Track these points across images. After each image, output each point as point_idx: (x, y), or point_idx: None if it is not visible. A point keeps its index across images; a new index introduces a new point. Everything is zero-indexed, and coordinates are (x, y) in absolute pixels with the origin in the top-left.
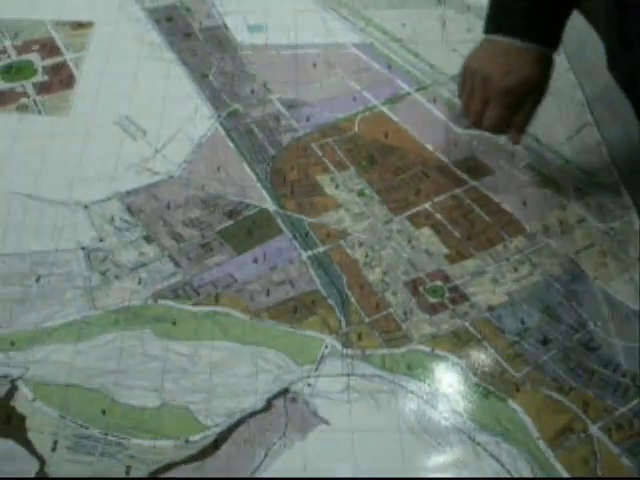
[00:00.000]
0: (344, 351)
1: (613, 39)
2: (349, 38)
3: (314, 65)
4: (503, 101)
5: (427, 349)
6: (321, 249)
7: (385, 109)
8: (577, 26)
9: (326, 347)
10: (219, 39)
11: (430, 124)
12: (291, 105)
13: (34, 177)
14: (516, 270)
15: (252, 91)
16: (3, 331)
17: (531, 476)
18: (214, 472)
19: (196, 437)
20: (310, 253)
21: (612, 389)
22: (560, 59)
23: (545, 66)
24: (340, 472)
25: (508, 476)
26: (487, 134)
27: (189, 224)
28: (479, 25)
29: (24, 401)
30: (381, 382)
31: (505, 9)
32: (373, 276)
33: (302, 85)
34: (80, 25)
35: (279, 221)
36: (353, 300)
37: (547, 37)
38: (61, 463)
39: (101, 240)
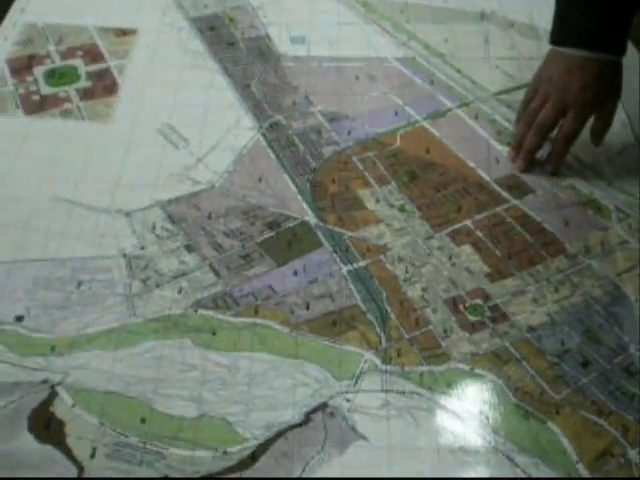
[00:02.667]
0: (383, 367)
1: None
2: (391, 52)
3: (356, 78)
4: (581, 114)
5: (466, 368)
6: (361, 264)
7: (427, 124)
8: None
9: (365, 362)
10: (261, 49)
11: (472, 141)
12: (333, 118)
13: (76, 183)
14: (557, 291)
15: (294, 103)
16: (44, 336)
17: None
18: None
19: (234, 449)
20: (350, 267)
21: None
22: None
23: (616, 73)
24: None
25: None
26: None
27: (230, 234)
28: (522, 42)
29: (64, 407)
30: (420, 399)
31: (571, 21)
32: (413, 292)
33: (344, 98)
34: (124, 32)
35: (319, 234)
36: (393, 316)
37: (615, 45)
38: (99, 470)
39: (142, 248)
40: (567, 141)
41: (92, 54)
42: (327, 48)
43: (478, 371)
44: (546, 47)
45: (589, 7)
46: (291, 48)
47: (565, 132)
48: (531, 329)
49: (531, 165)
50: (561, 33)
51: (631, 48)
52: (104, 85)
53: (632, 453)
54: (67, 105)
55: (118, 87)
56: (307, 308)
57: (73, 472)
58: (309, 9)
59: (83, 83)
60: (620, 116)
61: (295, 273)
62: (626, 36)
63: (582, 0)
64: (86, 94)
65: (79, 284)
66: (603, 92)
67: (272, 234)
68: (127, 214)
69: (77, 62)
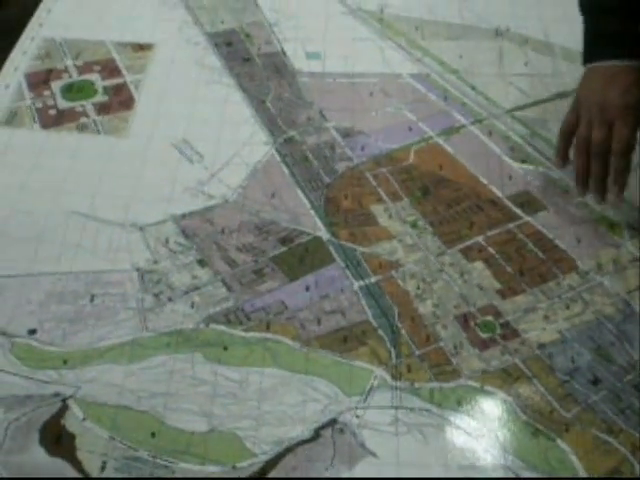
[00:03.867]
0: (393, 383)
1: None
2: (406, 68)
3: (370, 94)
4: (628, 118)
5: (477, 385)
6: (373, 279)
7: (440, 141)
8: None
9: (375, 378)
10: (277, 65)
11: (485, 157)
12: (347, 134)
13: (92, 197)
14: (568, 308)
15: (308, 118)
16: (56, 349)
17: None
18: None
19: (244, 464)
20: (362, 283)
21: None
22: None
23: None
24: None
25: None
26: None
27: (242, 249)
28: (536, 59)
29: (74, 420)
30: (429, 416)
31: (604, 36)
32: (424, 308)
33: (358, 114)
34: (141, 47)
35: (332, 249)
36: (403, 332)
37: None
38: None
39: (155, 262)
40: (622, 154)
41: (109, 69)
42: (342, 64)
43: (488, 388)
44: (560, 63)
45: (620, 19)
46: (306, 64)
47: (617, 144)
48: (542, 346)
49: (604, 193)
50: (595, 49)
51: None
52: (120, 100)
53: None
54: (83, 119)
55: (134, 102)
56: (318, 323)
57: None
58: (325, 25)
59: (100, 97)
60: None
61: (307, 288)
62: None
63: (612, 14)
64: (102, 108)
65: (92, 298)
66: None
67: (285, 249)
68: (141, 228)
69: (94, 77)
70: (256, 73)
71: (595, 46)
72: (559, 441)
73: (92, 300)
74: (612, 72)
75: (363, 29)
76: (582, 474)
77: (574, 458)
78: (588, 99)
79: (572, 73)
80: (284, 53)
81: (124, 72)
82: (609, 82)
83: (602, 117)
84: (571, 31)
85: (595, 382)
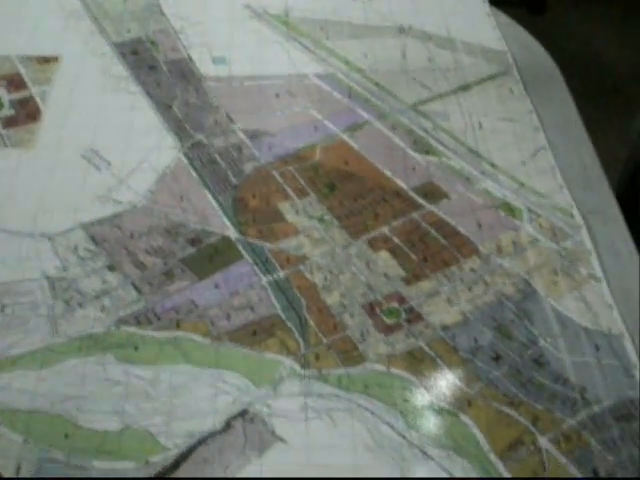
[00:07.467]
0: (302, 372)
1: None
2: (311, 68)
3: (277, 95)
4: None
5: (383, 368)
6: (281, 274)
7: (345, 137)
8: (533, 52)
9: (284, 368)
10: (183, 71)
11: (389, 151)
12: (253, 135)
13: (0, 209)
14: (470, 290)
15: (215, 122)
16: None
17: None
18: None
19: (156, 458)
20: (270, 278)
21: (561, 402)
22: (517, 86)
23: None
24: None
25: None
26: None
27: (152, 252)
28: (439, 55)
29: None
30: (338, 401)
31: None
32: (331, 299)
33: (264, 115)
34: (46, 60)
35: (240, 248)
36: (312, 323)
37: None
38: None
39: (65, 269)
40: None
41: (15, 83)
42: (249, 67)
43: (394, 371)
44: (462, 57)
45: None
46: (213, 69)
47: None
48: (445, 328)
49: None
50: None
51: (546, 55)
52: (27, 112)
53: (542, 441)
54: None
55: (41, 113)
56: (228, 319)
57: None
58: (231, 30)
59: (6, 111)
60: (533, 121)
61: (216, 286)
62: None
63: None
64: (9, 122)
65: (3, 308)
66: None
67: (194, 250)
68: (50, 238)
69: (0, 91)
70: (162, 80)
71: None
72: (462, 416)
73: (3, 310)
74: None
75: (269, 32)
76: (485, 446)
77: (476, 431)
78: None
79: (473, 67)
80: (190, 59)
81: (30, 85)
82: None
83: None
84: (472, 26)
85: (497, 359)
